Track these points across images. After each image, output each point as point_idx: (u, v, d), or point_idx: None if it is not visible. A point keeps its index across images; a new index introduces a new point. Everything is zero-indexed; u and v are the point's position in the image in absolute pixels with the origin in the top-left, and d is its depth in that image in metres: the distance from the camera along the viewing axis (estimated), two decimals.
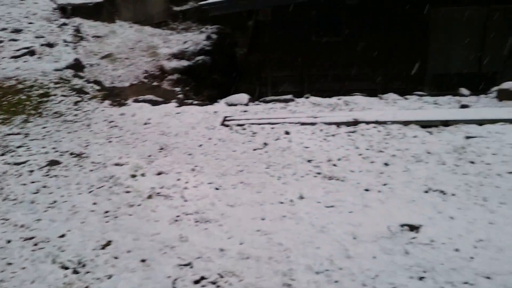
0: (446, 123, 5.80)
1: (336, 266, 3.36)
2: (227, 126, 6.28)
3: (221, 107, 7.32)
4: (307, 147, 5.47)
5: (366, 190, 4.44)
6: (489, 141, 5.27)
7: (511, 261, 3.32)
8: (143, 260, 3.47)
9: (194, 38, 13.37)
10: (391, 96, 7.40)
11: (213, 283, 3.23)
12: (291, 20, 10.30)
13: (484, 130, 5.57)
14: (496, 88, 7.03)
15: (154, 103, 7.56)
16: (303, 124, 6.11)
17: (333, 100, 7.36)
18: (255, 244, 3.66)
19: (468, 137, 5.40)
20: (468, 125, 5.71)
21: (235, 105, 7.38)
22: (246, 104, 7.44)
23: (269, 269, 3.36)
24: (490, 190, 4.30)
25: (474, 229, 3.73)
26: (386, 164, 4.94)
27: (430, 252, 3.47)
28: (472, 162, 4.84)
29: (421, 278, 3.22)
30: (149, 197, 4.36)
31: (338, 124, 6.03)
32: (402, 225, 3.81)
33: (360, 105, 7.00)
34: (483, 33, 9.84)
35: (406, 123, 5.88)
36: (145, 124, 6.59)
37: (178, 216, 4.07)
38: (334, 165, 5.00)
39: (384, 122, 5.95)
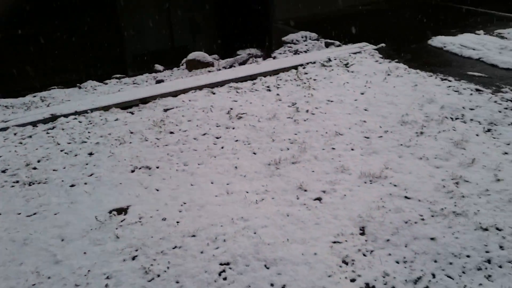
0: (144, 101, 5.96)
1: (44, 277, 3.10)
2: None
3: None
4: None
5: (72, 186, 4.22)
6: (184, 109, 5.64)
7: (211, 215, 3.64)
8: None
9: None
10: (90, 83, 7.21)
11: None
12: None
13: (179, 100, 5.94)
14: (184, 60, 7.57)
15: None
16: None
17: (28, 98, 6.73)
18: None
19: (166, 110, 5.67)
20: (164, 99, 5.99)
21: None
22: None
23: None
24: (189, 154, 4.62)
25: (178, 195, 3.95)
26: (90, 154, 4.78)
27: (140, 229, 3.52)
28: (172, 132, 5.09)
29: (134, 258, 3.24)
30: None
31: (35, 123, 5.55)
32: (111, 211, 3.77)
33: (59, 99, 6.59)
34: (169, 10, 10.45)
35: (106, 108, 5.81)
36: None
37: None
38: (34, 168, 4.58)
39: (85, 111, 5.74)
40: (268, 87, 6.13)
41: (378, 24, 8.89)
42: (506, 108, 5.09)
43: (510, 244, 3.15)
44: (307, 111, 5.29)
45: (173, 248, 3.31)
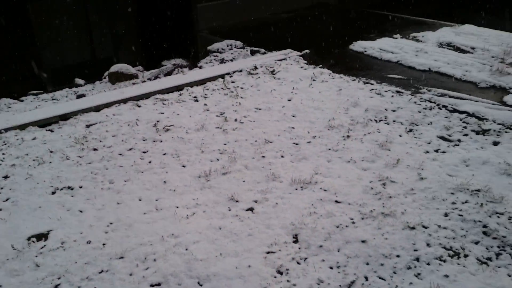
0: (65, 117, 5.64)
1: None
2: None
3: None
4: None
5: None
6: (108, 124, 5.39)
7: (139, 233, 3.48)
8: None
9: None
10: (4, 101, 6.74)
11: None
12: None
13: (103, 115, 5.68)
14: (107, 72, 7.28)
15: None
16: None
17: None
18: None
19: (88, 126, 5.40)
20: (86, 114, 5.71)
21: None
22: None
23: None
24: (115, 171, 4.41)
25: (104, 215, 3.74)
26: (5, 177, 4.43)
27: (62, 255, 3.29)
28: (95, 149, 4.84)
29: (56, 287, 3.01)
30: None
31: None
32: (29, 238, 3.50)
33: None
34: (88, 21, 10.03)
35: (22, 126, 5.43)
36: None
37: None
38: None
39: None
40: (195, 97, 6.02)
41: (301, 31, 9.07)
42: (425, 108, 5.32)
43: (436, 241, 3.26)
44: (235, 120, 5.23)
45: (100, 273, 3.12)
